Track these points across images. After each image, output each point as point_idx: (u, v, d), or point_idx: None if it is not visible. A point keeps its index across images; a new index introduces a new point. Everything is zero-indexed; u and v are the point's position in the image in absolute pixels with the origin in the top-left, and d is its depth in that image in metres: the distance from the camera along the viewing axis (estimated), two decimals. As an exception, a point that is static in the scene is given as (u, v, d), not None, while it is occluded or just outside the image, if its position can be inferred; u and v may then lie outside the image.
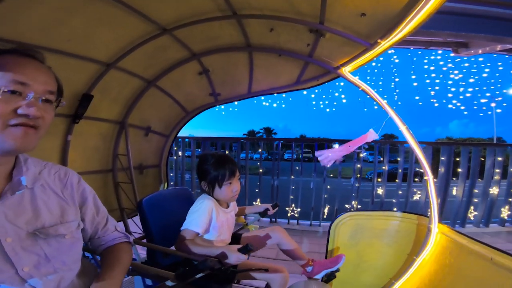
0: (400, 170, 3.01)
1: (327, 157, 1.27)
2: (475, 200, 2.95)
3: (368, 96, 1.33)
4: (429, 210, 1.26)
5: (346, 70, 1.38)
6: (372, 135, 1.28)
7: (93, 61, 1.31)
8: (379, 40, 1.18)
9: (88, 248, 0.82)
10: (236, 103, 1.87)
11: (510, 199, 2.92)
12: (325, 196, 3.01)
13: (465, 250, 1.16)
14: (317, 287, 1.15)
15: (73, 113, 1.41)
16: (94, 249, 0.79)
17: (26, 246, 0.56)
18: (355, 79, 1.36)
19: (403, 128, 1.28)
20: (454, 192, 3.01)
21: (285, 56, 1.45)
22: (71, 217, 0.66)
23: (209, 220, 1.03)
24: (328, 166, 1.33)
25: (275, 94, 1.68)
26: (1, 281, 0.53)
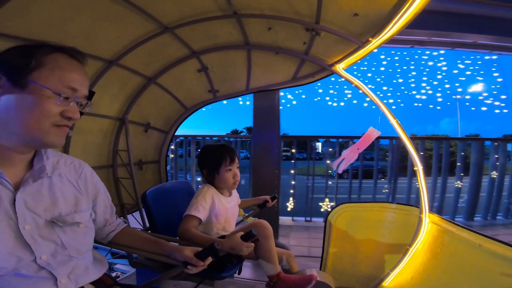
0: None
1: (341, 162, 1.35)
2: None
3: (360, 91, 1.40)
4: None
5: (339, 67, 1.45)
6: (374, 133, 1.33)
7: (96, 58, 1.34)
8: (370, 39, 1.26)
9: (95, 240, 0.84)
10: (222, 102, 1.90)
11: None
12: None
13: (455, 238, 1.22)
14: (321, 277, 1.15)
15: (74, 109, 1.43)
16: (102, 238, 0.81)
17: (44, 234, 0.58)
18: (348, 76, 1.42)
19: (393, 122, 1.34)
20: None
21: (282, 54, 1.50)
22: (84, 207, 0.68)
23: (209, 206, 1.06)
24: (342, 170, 1.41)
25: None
26: (17, 268, 0.53)
